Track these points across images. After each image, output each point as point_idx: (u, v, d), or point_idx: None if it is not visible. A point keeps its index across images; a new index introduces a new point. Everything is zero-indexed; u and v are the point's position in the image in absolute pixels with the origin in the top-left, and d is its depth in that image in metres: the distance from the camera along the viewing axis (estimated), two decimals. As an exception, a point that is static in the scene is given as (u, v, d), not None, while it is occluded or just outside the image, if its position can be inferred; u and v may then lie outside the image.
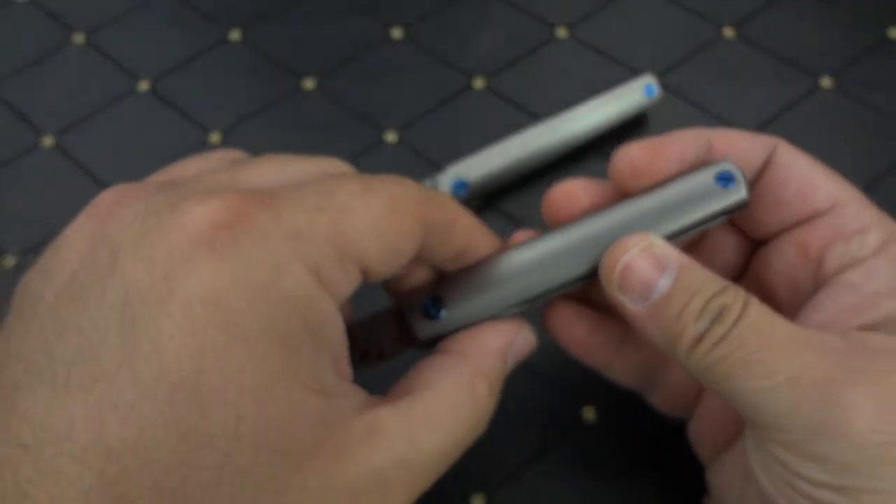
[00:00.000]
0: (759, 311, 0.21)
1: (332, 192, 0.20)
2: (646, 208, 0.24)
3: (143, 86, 0.43)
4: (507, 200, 0.38)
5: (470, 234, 0.24)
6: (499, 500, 0.31)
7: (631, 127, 0.40)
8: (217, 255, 0.17)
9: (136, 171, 0.40)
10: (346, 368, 0.21)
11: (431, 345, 0.25)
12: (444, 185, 0.37)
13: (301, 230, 0.19)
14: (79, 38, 0.45)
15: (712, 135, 0.24)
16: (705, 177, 0.24)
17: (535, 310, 0.26)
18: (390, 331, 0.26)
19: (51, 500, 0.16)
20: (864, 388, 0.19)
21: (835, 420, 0.19)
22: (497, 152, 0.38)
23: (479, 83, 0.43)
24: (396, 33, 0.45)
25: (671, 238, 0.24)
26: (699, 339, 0.21)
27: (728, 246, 0.27)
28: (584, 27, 0.45)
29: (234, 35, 0.45)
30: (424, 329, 0.25)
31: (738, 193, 0.24)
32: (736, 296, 0.21)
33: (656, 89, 0.39)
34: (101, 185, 0.40)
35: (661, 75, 0.42)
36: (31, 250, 0.38)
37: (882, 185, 0.38)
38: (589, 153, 0.39)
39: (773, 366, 0.20)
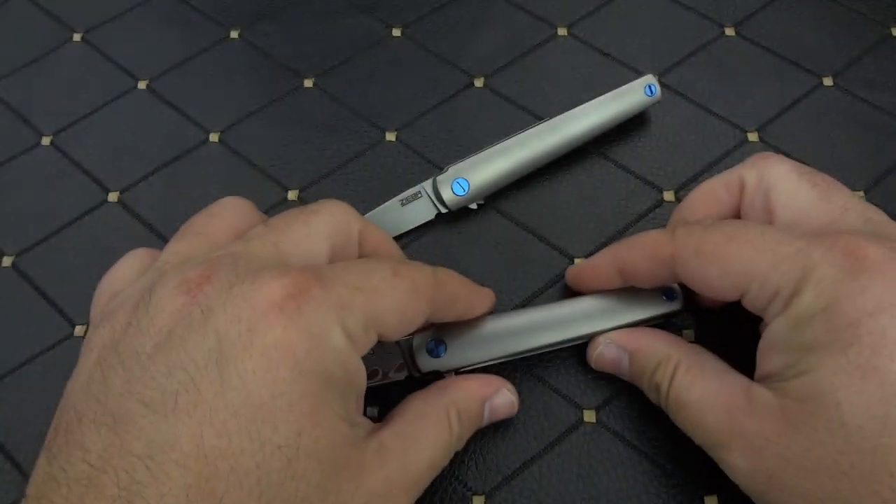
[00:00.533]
0: (677, 385, 0.29)
1: (368, 274, 0.26)
2: (608, 305, 0.32)
3: (142, 85, 0.43)
4: (507, 201, 0.38)
5: (469, 303, 0.31)
6: (499, 500, 0.31)
7: (632, 126, 0.40)
8: (286, 316, 0.24)
9: (135, 170, 0.40)
10: (363, 405, 0.27)
11: (429, 377, 0.31)
12: (445, 185, 0.37)
13: (344, 303, 0.25)
14: (78, 37, 0.45)
15: (621, 264, 0.32)
16: (654, 291, 0.33)
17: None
18: (396, 360, 0.32)
19: (159, 495, 0.21)
20: (738, 452, 0.27)
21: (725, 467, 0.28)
22: (497, 152, 0.37)
23: (478, 82, 0.42)
24: (396, 32, 0.45)
25: (629, 325, 0.32)
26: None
27: None
28: (584, 27, 0.44)
29: (234, 34, 0.45)
30: (426, 364, 0.31)
31: (676, 305, 0.33)
32: (664, 373, 0.30)
33: (657, 89, 0.39)
34: (100, 184, 0.40)
35: (662, 75, 0.42)
36: (29, 249, 0.38)
37: (883, 184, 0.38)
38: (590, 153, 0.39)
39: (689, 425, 0.29)
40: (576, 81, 0.42)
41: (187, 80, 0.43)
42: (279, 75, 0.43)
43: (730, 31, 0.44)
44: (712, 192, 0.32)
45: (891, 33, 0.43)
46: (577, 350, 0.34)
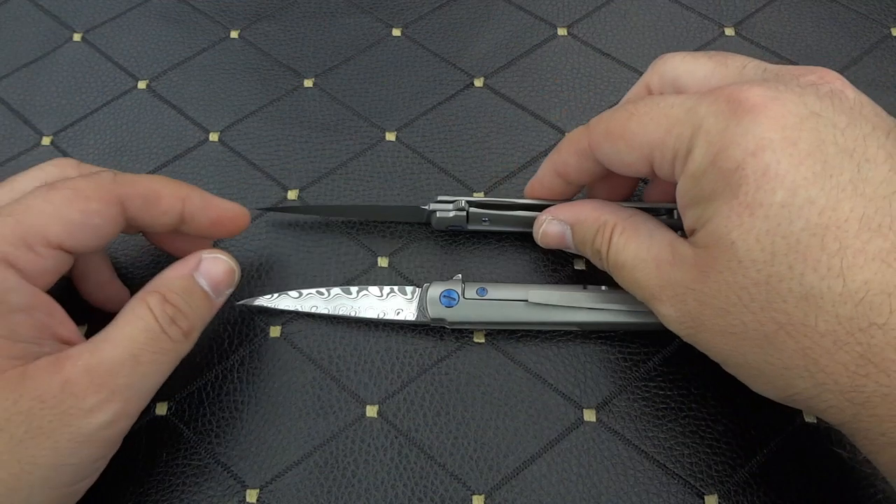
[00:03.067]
0: (614, 247, 0.31)
1: (21, 200, 0.28)
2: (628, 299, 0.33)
3: (142, 85, 0.43)
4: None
5: (184, 199, 0.31)
6: (499, 500, 0.31)
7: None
8: None
9: (135, 170, 0.40)
10: (60, 329, 0.28)
11: (437, 325, 0.34)
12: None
13: None
14: (77, 37, 0.45)
15: (555, 166, 0.34)
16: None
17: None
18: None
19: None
20: (668, 301, 0.29)
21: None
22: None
23: (478, 82, 0.42)
24: (396, 32, 0.45)
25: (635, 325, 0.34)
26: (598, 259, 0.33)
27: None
28: (584, 27, 0.44)
29: (234, 34, 0.45)
30: (435, 311, 0.33)
31: None
32: (602, 238, 0.31)
33: None
34: (100, 184, 0.40)
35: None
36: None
37: (883, 184, 0.38)
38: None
39: (626, 283, 0.31)
40: (576, 81, 0.42)
41: (187, 80, 0.43)
42: (279, 75, 0.43)
43: (730, 31, 0.44)
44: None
45: (891, 33, 0.43)
46: (577, 349, 0.34)
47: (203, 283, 0.31)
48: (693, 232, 0.28)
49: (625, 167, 0.31)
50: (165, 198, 0.31)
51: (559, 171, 0.34)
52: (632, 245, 0.30)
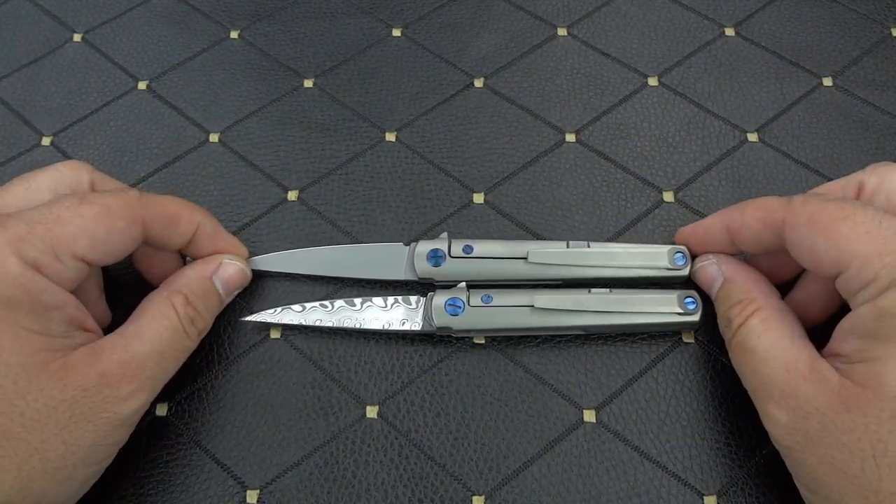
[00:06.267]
0: (748, 328, 0.30)
1: (52, 208, 0.29)
2: (628, 299, 0.34)
3: (142, 85, 0.43)
4: (506, 200, 0.38)
5: (198, 225, 0.33)
6: (499, 500, 0.31)
7: (631, 126, 0.40)
8: None
9: (135, 170, 0.40)
10: (86, 321, 0.30)
11: (443, 333, 0.34)
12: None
13: (21, 237, 0.28)
14: (78, 37, 0.45)
15: (730, 223, 0.33)
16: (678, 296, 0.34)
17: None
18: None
19: None
20: (785, 409, 0.28)
21: None
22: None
23: (478, 82, 0.42)
24: (396, 32, 0.45)
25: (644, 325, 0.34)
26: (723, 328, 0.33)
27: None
28: (584, 27, 0.44)
29: (234, 34, 0.45)
30: (441, 319, 0.34)
31: (694, 316, 0.34)
32: (741, 311, 0.31)
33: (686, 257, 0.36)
34: (100, 184, 0.40)
35: (662, 74, 0.42)
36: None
37: (883, 184, 0.38)
38: (590, 153, 0.39)
39: (744, 368, 0.30)
40: (576, 81, 0.42)
41: (187, 80, 0.43)
42: (279, 75, 0.43)
43: (730, 32, 0.44)
44: (828, 192, 0.33)
45: (891, 33, 0.43)
46: (577, 350, 0.34)
47: (219, 286, 0.34)
48: (846, 358, 0.28)
49: (808, 258, 0.29)
50: (184, 222, 0.33)
51: (733, 229, 0.32)
52: (768, 337, 0.29)
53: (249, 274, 0.35)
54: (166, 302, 0.31)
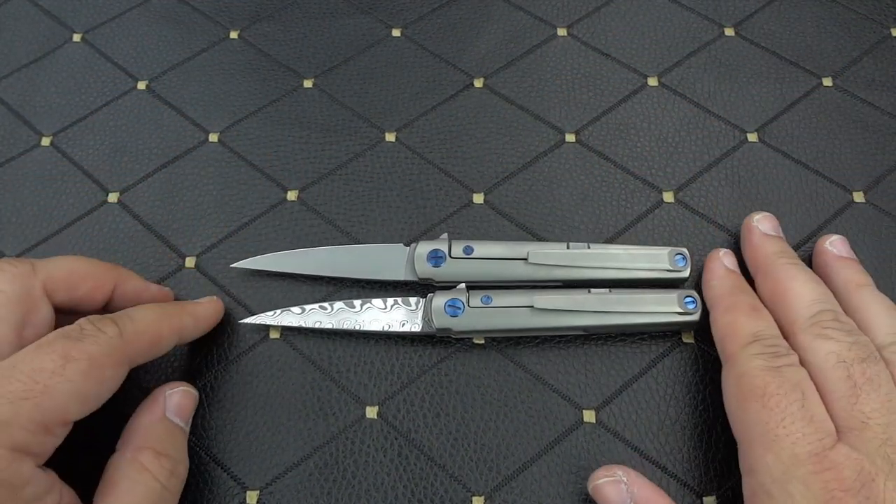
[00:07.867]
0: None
1: (35, 375, 0.26)
2: (628, 300, 0.34)
3: (142, 85, 0.43)
4: (507, 200, 0.38)
5: (176, 333, 0.32)
6: (499, 500, 0.31)
7: (631, 126, 0.40)
8: None
9: (134, 170, 0.40)
10: (63, 501, 0.27)
11: (443, 334, 0.34)
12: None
13: (7, 420, 0.25)
14: (77, 37, 0.45)
15: None
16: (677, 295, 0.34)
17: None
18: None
19: None
20: None
21: None
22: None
23: (478, 82, 0.42)
24: (396, 32, 0.45)
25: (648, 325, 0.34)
26: None
27: None
28: (584, 27, 0.44)
29: (233, 34, 0.45)
30: (441, 321, 0.33)
31: (694, 316, 0.33)
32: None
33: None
34: (99, 184, 0.40)
35: (662, 74, 0.42)
36: (29, 250, 0.38)
37: (883, 184, 0.38)
38: (590, 153, 0.39)
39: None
40: (576, 81, 0.42)
41: (187, 81, 0.43)
42: (279, 75, 0.43)
43: (730, 32, 0.44)
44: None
45: (891, 33, 0.43)
46: (576, 350, 0.34)
47: (175, 419, 0.31)
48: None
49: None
50: (165, 337, 0.31)
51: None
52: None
53: (195, 393, 0.33)
54: (135, 465, 0.29)
